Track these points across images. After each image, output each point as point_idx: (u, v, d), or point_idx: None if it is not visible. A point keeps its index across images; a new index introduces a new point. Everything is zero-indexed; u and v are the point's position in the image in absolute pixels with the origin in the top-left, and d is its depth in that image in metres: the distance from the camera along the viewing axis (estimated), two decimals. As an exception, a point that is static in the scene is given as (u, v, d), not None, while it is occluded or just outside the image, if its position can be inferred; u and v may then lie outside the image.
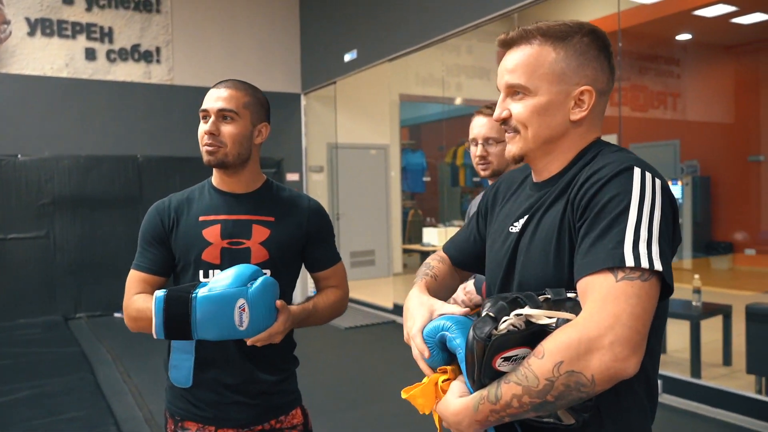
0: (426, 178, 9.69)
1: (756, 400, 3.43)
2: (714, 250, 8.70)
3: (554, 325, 0.89)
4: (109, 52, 7.10)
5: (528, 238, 1.06)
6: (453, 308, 1.03)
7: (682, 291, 4.32)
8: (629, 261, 0.87)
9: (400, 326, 6.40)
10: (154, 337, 1.36)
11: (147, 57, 7.30)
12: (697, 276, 4.31)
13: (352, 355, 5.15)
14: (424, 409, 1.01)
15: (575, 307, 0.91)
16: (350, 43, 7.15)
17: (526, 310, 0.90)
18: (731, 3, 7.02)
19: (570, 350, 0.84)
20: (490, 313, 0.91)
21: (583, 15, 6.76)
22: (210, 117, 1.51)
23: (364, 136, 8.84)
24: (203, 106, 1.52)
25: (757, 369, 3.60)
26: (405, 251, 9.44)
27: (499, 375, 0.90)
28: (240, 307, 1.33)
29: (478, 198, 2.29)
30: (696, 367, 3.93)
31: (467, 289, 2.13)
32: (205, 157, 1.52)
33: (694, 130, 9.13)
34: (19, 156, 6.64)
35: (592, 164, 1.01)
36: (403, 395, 1.03)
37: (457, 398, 0.94)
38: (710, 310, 4.28)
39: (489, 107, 2.12)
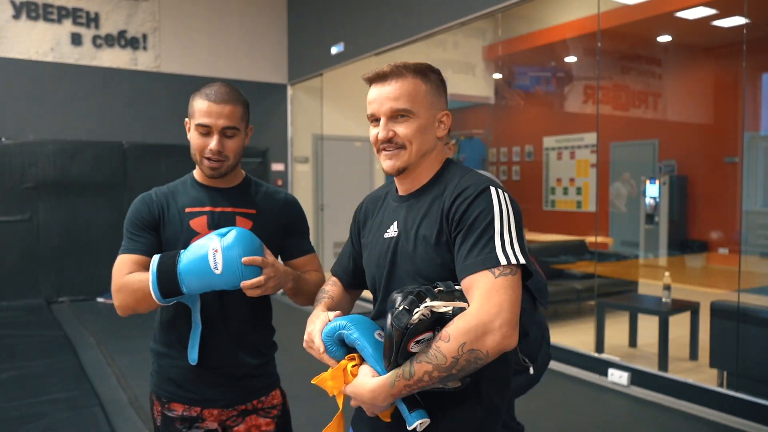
0: (410, 171, 9.78)
1: (717, 393, 3.59)
2: (689, 249, 8.91)
3: (451, 312, 1.12)
4: (95, 38, 7.09)
5: (409, 242, 1.28)
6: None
7: (654, 288, 4.48)
8: (503, 261, 1.14)
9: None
10: (153, 298, 1.45)
11: (134, 43, 7.29)
12: (667, 273, 4.47)
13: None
14: (333, 390, 1.19)
15: (462, 297, 1.16)
16: (337, 36, 7.21)
17: (430, 303, 1.12)
18: (712, 6, 7.18)
19: (470, 334, 1.09)
20: (405, 306, 1.11)
21: (564, 15, 6.88)
22: (213, 133, 1.56)
23: (349, 128, 8.90)
24: (204, 121, 1.55)
25: (719, 363, 3.77)
26: (387, 243, 9.53)
27: (410, 356, 1.12)
28: (213, 249, 1.43)
29: None
30: (663, 360, 4.08)
31: None
32: (209, 172, 1.58)
33: (673, 130, 9.32)
34: (2, 139, 6.63)
35: (456, 183, 1.26)
36: (313, 381, 1.21)
37: (371, 378, 1.15)
38: (679, 306, 4.44)
39: None
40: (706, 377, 3.93)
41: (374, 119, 1.31)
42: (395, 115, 1.28)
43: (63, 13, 6.91)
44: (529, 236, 7.56)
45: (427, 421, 1.16)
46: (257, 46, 8.14)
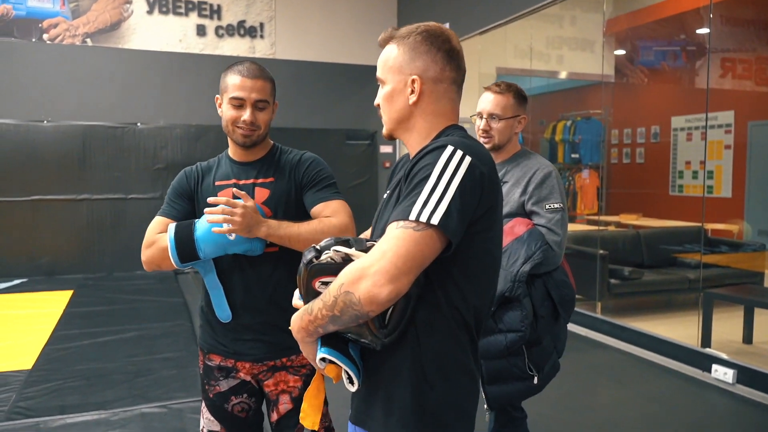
0: (522, 153, 9.54)
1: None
2: (838, 240, 7.94)
3: None
4: (217, 28, 7.60)
5: (390, 200, 1.25)
6: None
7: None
8: (412, 216, 1.06)
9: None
10: (172, 263, 1.62)
11: (252, 32, 7.73)
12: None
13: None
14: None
15: None
16: (444, 16, 7.18)
17: (344, 249, 1.11)
18: None
19: (350, 275, 1.04)
20: (317, 246, 1.13)
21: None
22: (246, 106, 1.70)
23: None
24: (238, 95, 1.70)
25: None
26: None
27: (317, 295, 1.11)
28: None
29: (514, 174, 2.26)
30: (777, 359, 3.73)
31: None
32: (241, 140, 1.74)
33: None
34: (138, 124, 7.34)
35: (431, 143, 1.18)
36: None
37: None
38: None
39: (498, 84, 2.20)
40: (827, 380, 3.54)
41: None
42: (379, 84, 1.29)
43: (189, 7, 7.48)
44: (644, 221, 7.13)
45: (336, 361, 1.13)
46: (367, 30, 8.30)
